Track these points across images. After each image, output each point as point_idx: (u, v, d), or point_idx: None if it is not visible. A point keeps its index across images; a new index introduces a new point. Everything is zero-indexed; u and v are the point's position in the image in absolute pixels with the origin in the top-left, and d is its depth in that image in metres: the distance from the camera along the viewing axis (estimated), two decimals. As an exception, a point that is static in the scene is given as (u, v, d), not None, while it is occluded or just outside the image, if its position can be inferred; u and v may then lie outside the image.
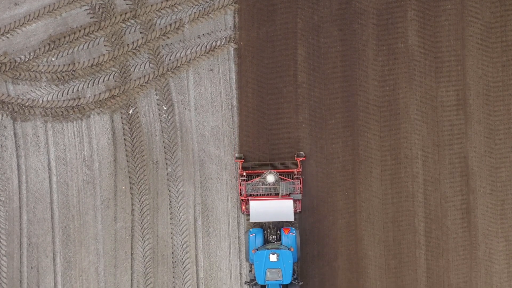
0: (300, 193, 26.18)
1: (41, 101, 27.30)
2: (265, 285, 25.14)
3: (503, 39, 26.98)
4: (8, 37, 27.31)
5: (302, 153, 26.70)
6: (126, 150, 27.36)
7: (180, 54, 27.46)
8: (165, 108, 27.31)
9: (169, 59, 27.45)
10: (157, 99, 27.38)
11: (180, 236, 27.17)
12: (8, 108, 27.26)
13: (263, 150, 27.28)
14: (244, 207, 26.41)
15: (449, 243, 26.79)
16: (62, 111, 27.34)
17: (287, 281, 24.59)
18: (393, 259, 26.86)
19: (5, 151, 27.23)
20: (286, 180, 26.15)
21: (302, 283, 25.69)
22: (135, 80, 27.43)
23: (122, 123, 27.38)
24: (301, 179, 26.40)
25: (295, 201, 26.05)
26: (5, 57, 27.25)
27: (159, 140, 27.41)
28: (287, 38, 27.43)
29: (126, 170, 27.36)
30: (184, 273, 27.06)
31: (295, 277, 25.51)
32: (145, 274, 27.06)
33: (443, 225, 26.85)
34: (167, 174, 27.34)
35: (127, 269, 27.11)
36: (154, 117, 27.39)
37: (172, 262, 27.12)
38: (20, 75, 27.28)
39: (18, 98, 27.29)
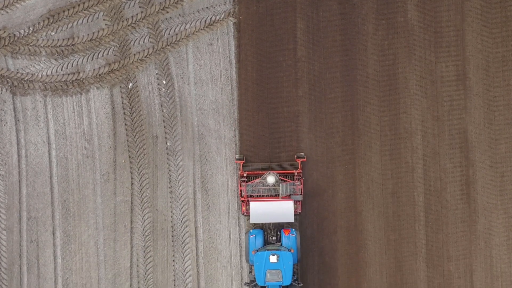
0: (301, 194, 26.11)
1: (40, 76, 27.29)
2: (265, 287, 25.01)
3: (502, 12, 26.96)
4: (7, 12, 27.30)
5: (303, 154, 26.65)
6: (125, 124, 27.35)
7: (180, 28, 27.44)
8: (164, 83, 27.31)
9: (169, 34, 27.43)
10: (156, 74, 27.37)
11: (180, 210, 27.17)
12: (7, 82, 27.26)
13: (262, 124, 27.26)
14: (244, 208, 26.34)
15: (448, 217, 26.78)
16: (61, 86, 27.33)
17: (287, 282, 24.44)
18: (393, 232, 26.86)
19: (4, 125, 27.23)
20: (286, 181, 26.09)
21: (302, 284, 25.58)
22: (134, 55, 27.41)
23: (122, 97, 27.38)
24: (302, 180, 26.34)
25: (295, 202, 25.96)
26: (4, 32, 27.24)
27: (158, 114, 27.40)
28: (287, 12, 27.41)
29: (126, 144, 27.36)
30: (184, 246, 27.07)
31: (295, 278, 25.43)
32: (145, 247, 27.07)
33: (442, 199, 26.84)
34: (167, 148, 27.34)
35: (127, 242, 27.12)
36: (154, 92, 27.39)
37: (172, 236, 27.12)
38: (19, 49, 27.27)
39: (17, 72, 27.28)
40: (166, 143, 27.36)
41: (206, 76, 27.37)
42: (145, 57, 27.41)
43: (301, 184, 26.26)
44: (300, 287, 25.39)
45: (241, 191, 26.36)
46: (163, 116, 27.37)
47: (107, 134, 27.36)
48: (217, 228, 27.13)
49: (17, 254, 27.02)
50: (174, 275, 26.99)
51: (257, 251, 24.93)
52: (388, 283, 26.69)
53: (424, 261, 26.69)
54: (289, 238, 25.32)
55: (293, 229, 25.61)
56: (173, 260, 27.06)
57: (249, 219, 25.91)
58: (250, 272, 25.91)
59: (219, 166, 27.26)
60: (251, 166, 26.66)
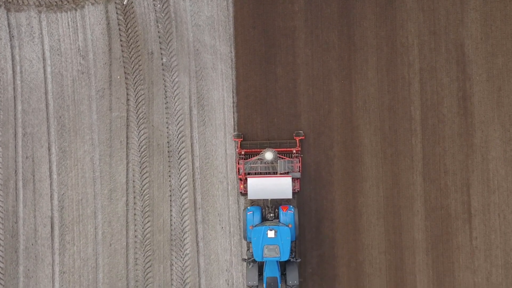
0: (299, 171, 25.95)
1: (35, -8, 27.16)
2: (263, 262, 24.90)
3: None
4: None
5: (301, 132, 26.51)
6: (121, 40, 27.21)
7: None
8: (159, -1, 27.17)
9: (164, -50, 27.28)
10: (151, -10, 27.24)
11: (176, 125, 27.07)
12: (1, -1, 27.13)
13: (258, 39, 27.13)
14: (242, 186, 26.19)
15: (445, 131, 26.70)
16: (56, 1, 27.17)
17: (285, 258, 24.12)
18: (389, 146, 26.78)
19: (-1, 42, 27.15)
20: (284, 158, 25.93)
21: (300, 260, 25.47)
22: (129, -29, 27.27)
23: (117, 13, 27.22)
24: (300, 158, 26.20)
25: (293, 180, 25.80)
26: None
27: (153, 31, 27.26)
28: None
29: (121, 60, 27.23)
30: (180, 162, 26.99)
31: (293, 255, 25.25)
32: (141, 163, 26.99)
33: (439, 113, 26.75)
34: (162, 64, 27.21)
35: (123, 158, 27.03)
36: (149, 7, 27.22)
37: (168, 152, 27.04)
38: (13, -35, 27.13)
39: (11, -11, 27.15)
40: (162, 59, 27.22)
41: (202, -8, 27.24)
42: (140, -27, 27.27)
43: (299, 162, 26.12)
44: (298, 263, 25.26)
45: (239, 169, 26.22)
46: (158, 32, 27.23)
47: (102, 50, 27.23)
48: (213, 143, 27.04)
49: (12, 170, 26.94)
50: (170, 191, 26.93)
51: (255, 226, 24.68)
52: (385, 197, 26.63)
53: (421, 175, 26.63)
54: (287, 215, 25.11)
55: (291, 206, 25.40)
56: (169, 176, 27.00)
57: (246, 196, 25.76)
58: (248, 249, 25.74)
59: (215, 81, 27.15)
60: (249, 144, 26.51)
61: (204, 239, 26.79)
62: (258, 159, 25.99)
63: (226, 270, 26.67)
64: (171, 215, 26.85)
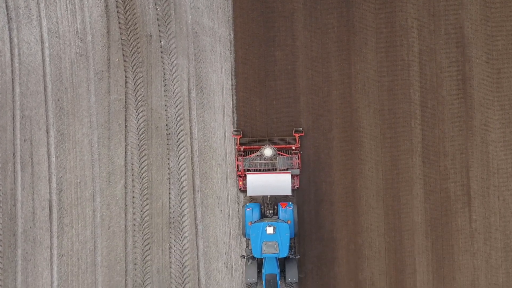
0: (298, 168, 25.86)
1: (33, -26, 27.05)
2: (262, 259, 24.81)
3: None
4: None
5: (301, 128, 26.40)
6: (119, 22, 27.11)
7: None
8: (158, -19, 27.07)
9: None
10: (150, -28, 27.13)
11: (174, 108, 26.99)
12: (-1, -19, 27.02)
13: (257, 21, 27.04)
14: (241, 183, 26.08)
15: (444, 113, 26.62)
16: (54, -16, 27.09)
17: (284, 254, 24.00)
18: (388, 129, 26.70)
19: (-3, 24, 27.04)
20: (284, 155, 25.83)
21: (299, 256, 25.37)
22: (127, -47, 27.16)
23: (115, -4, 27.15)
24: (299, 155, 26.11)
25: (293, 176, 25.70)
26: None
27: (152, 13, 27.15)
28: None
29: (120, 43, 27.13)
30: (179, 145, 26.91)
31: (292, 252, 25.13)
32: (139, 146, 26.91)
33: (438, 95, 26.67)
34: (161, 47, 27.11)
35: (121, 141, 26.95)
36: (147, -10, 27.15)
37: (167, 134, 26.95)
38: None
39: (9, -29, 27.05)
40: (160, 41, 27.13)
41: (200, -25, 27.14)
42: (138, -45, 27.16)
43: (298, 158, 26.04)
44: (297, 259, 25.18)
45: (238, 165, 26.12)
46: (157, 14, 27.13)
47: (101, 33, 27.13)
48: (212, 126, 26.96)
49: (10, 153, 26.85)
50: (169, 173, 26.85)
51: (254, 223, 24.55)
52: (384, 180, 26.56)
53: (420, 158, 26.55)
54: (286, 211, 24.95)
55: (290, 202, 25.27)
56: (168, 159, 26.91)
57: (245, 193, 25.63)
58: (247, 246, 25.64)
59: (213, 64, 27.05)
60: (248, 140, 26.40)
61: (203, 222, 26.72)
62: (257, 155, 25.88)
63: (225, 253, 26.60)
64: (169, 198, 26.77)
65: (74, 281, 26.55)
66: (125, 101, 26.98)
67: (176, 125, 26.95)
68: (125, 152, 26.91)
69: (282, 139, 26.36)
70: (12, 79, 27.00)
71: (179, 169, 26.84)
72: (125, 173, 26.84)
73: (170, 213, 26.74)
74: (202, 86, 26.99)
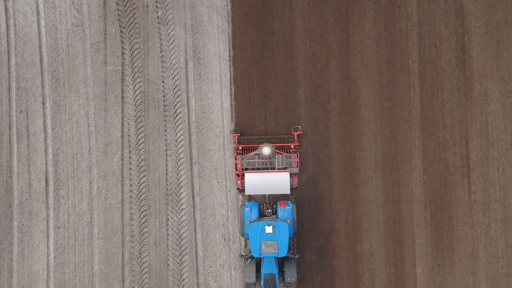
0: (297, 167, 25.63)
1: None
2: (260, 258, 24.56)
3: None
4: None
5: (299, 126, 26.17)
6: (115, -7, 26.91)
7: None
8: (155, -49, 26.82)
9: None
10: None
11: (171, 79, 26.77)
12: (-6, -49, 26.77)
13: (255, -8, 26.91)
14: (239, 182, 25.84)
15: (444, 84, 26.41)
16: (50, -46, 26.85)
17: (283, 254, 23.80)
18: (387, 100, 26.49)
19: (-8, -5, 26.79)
20: (282, 153, 25.62)
21: (298, 256, 25.13)
22: None
23: (111, -34, 26.91)
24: (298, 154, 25.89)
25: (291, 175, 25.47)
26: None
27: (149, -16, 26.95)
28: None
29: (116, 14, 26.89)
30: (176, 116, 26.70)
31: (291, 251, 24.90)
32: (136, 117, 26.69)
33: (437, 66, 26.45)
34: (158, 18, 26.88)
35: (118, 112, 26.73)
36: (144, -40, 26.91)
37: (163, 106, 26.74)
38: None
39: None
40: (157, 12, 26.89)
41: None
42: None
43: (297, 157, 25.80)
44: (296, 259, 24.96)
45: (236, 164, 25.90)
46: (153, -15, 26.92)
47: (97, 3, 26.88)
48: (209, 97, 26.75)
49: (6, 124, 26.63)
50: (166, 145, 26.65)
51: (253, 222, 24.34)
52: (383, 151, 26.37)
53: (419, 129, 26.35)
54: (285, 211, 24.70)
55: (289, 202, 25.03)
56: (165, 130, 26.70)
57: (244, 192, 25.41)
58: (246, 246, 25.46)
59: (211, 35, 26.83)
60: (246, 139, 26.17)
61: (200, 193, 26.53)
62: (255, 154, 25.65)
63: (222, 225, 26.41)
64: (166, 169, 26.58)
65: (71, 253, 26.37)
66: (122, 72, 26.75)
67: (173, 97, 26.74)
68: (122, 124, 26.70)
69: (280, 138, 26.08)
70: (8, 50, 26.77)
71: (176, 141, 26.64)
72: (122, 145, 26.64)
73: (167, 185, 26.54)
74: (199, 57, 26.77)
